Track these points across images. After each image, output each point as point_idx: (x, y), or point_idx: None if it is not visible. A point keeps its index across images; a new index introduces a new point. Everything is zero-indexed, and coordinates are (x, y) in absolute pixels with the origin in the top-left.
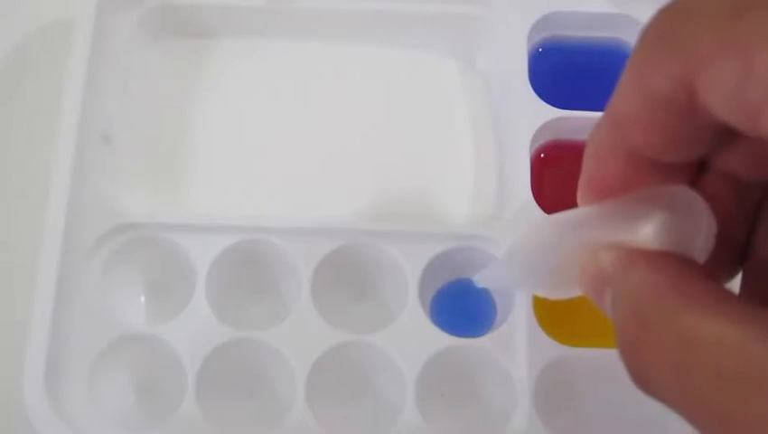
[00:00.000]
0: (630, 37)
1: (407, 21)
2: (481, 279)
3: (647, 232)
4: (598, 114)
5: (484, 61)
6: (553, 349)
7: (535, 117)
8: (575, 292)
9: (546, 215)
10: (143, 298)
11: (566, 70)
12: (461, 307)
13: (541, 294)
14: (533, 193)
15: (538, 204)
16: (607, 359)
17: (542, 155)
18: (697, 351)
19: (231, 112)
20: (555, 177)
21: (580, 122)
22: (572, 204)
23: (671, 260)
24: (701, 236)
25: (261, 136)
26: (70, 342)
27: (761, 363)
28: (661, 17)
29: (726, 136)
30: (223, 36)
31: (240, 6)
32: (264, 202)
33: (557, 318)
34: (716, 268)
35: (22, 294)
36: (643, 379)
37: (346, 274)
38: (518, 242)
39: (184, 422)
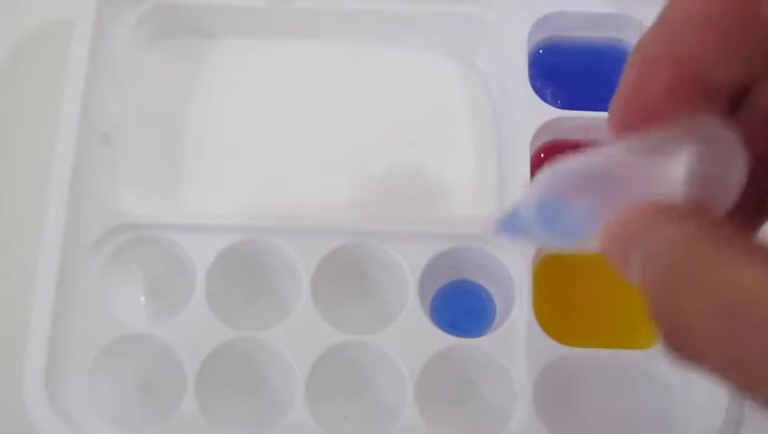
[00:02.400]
0: (630, 37)
1: (407, 21)
2: (500, 228)
3: (676, 177)
4: (598, 114)
5: (484, 61)
6: (553, 349)
7: (535, 117)
8: (592, 246)
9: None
10: (143, 298)
11: (566, 71)
12: (461, 307)
13: (557, 245)
14: None
15: None
16: (607, 359)
17: (542, 155)
18: (745, 297)
19: (231, 112)
20: None
21: (580, 122)
22: None
23: (700, 214)
24: (732, 176)
25: (261, 135)
26: (70, 342)
27: None
28: None
29: None
30: (223, 36)
31: (240, 6)
32: (264, 201)
33: (556, 318)
34: (747, 212)
35: (22, 294)
36: (681, 338)
37: (346, 274)
38: (535, 187)
39: (184, 422)
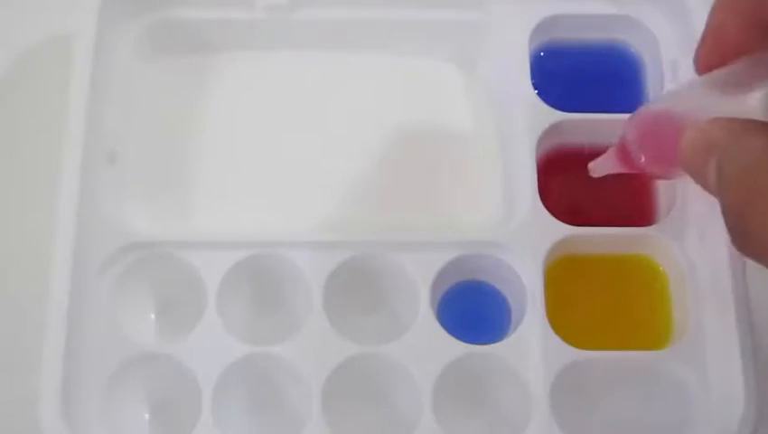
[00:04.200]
0: (630, 38)
1: (407, 28)
2: (595, 168)
3: (756, 99)
4: (603, 116)
5: (486, 66)
6: (568, 353)
7: (539, 120)
8: (676, 170)
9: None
10: (153, 317)
11: (567, 73)
12: (473, 310)
13: (649, 171)
14: (540, 196)
15: (546, 207)
16: (622, 361)
17: (548, 158)
18: None
19: (236, 126)
20: (561, 179)
21: (584, 124)
22: (578, 206)
23: None
24: None
25: (267, 148)
26: (83, 363)
27: None
28: None
29: None
30: (225, 50)
31: (241, 19)
32: (272, 215)
33: (570, 322)
34: None
35: (33, 316)
36: (747, 239)
37: (357, 285)
38: (632, 119)
39: None
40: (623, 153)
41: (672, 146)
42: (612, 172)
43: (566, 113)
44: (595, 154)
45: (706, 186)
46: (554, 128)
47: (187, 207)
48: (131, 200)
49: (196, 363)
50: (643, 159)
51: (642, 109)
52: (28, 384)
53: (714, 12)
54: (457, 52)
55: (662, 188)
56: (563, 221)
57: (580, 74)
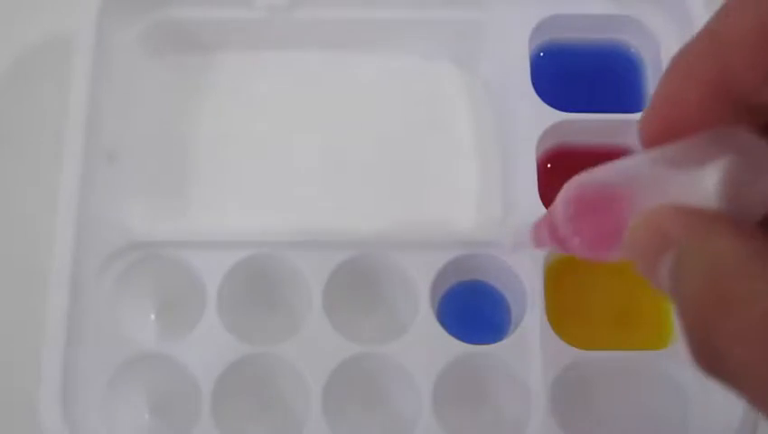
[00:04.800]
0: (631, 38)
1: (407, 28)
2: (512, 246)
3: (712, 183)
4: (603, 116)
5: (486, 66)
6: (567, 353)
7: (539, 120)
8: (614, 255)
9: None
10: (153, 317)
11: (568, 74)
12: (473, 310)
13: (583, 255)
14: (540, 196)
15: (546, 207)
16: (622, 361)
17: (548, 159)
18: None
19: (236, 126)
20: (561, 179)
21: (585, 125)
22: None
23: (742, 224)
24: (765, 185)
25: (267, 148)
26: (83, 363)
27: None
28: None
29: None
30: (225, 50)
31: (241, 19)
32: (272, 215)
33: (570, 322)
34: None
35: (33, 315)
36: (715, 357)
37: (356, 285)
38: (563, 195)
39: None
40: (554, 231)
41: (614, 230)
42: (539, 248)
43: (566, 113)
44: (595, 154)
45: (657, 284)
46: (554, 128)
47: (187, 207)
48: (131, 200)
49: (196, 363)
50: (578, 242)
51: (576, 183)
52: (28, 384)
53: (668, 77)
54: (457, 52)
55: None
56: None
57: (580, 74)
